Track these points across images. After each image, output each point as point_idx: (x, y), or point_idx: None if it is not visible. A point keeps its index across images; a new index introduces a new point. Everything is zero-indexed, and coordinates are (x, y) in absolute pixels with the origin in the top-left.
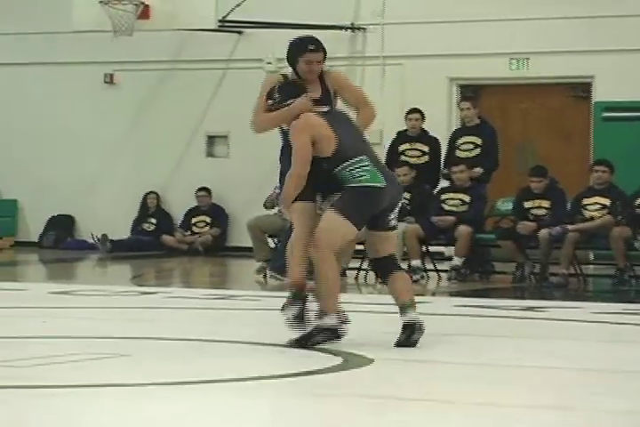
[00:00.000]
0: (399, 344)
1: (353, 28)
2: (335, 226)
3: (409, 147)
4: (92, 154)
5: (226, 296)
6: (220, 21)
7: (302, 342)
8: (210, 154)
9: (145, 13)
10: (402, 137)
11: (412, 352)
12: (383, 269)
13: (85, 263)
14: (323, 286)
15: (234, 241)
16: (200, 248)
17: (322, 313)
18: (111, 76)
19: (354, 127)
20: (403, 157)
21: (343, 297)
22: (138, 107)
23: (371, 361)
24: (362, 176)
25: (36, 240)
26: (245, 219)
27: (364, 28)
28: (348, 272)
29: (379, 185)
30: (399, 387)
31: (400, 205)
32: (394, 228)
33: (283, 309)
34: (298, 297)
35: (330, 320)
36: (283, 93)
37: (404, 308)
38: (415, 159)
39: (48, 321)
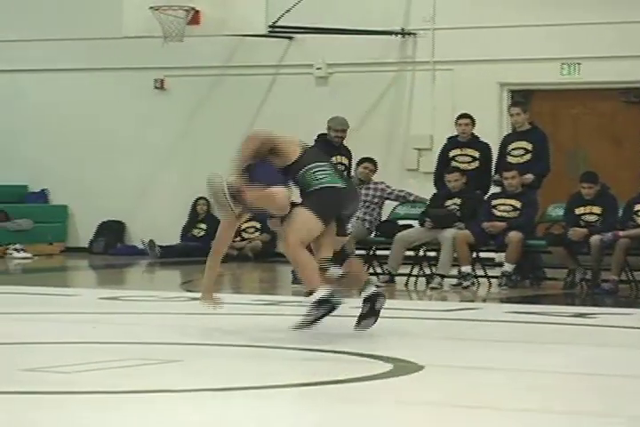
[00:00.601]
0: (363, 316)
1: (403, 33)
2: (303, 221)
3: (459, 152)
4: (142, 160)
5: (275, 302)
6: (270, 27)
7: (305, 323)
8: None
9: (195, 19)
10: (452, 143)
11: (463, 359)
12: (340, 259)
13: (135, 269)
14: (303, 274)
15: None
16: (250, 254)
17: (310, 293)
18: (161, 81)
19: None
20: (453, 163)
21: (392, 303)
22: (188, 112)
23: (420, 368)
24: (324, 178)
25: (86, 246)
26: None
27: (414, 33)
28: (397, 278)
29: (339, 186)
30: (449, 394)
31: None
32: (348, 234)
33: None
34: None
35: (320, 292)
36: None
37: (363, 287)
38: (466, 165)
39: (98, 327)
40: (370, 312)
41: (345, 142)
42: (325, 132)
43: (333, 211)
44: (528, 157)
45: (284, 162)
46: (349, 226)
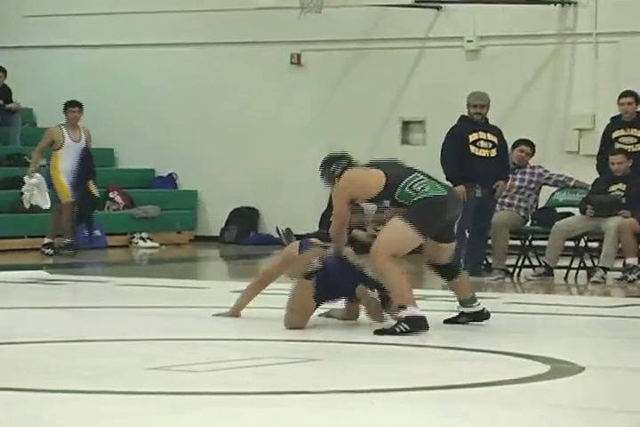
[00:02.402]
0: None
1: (563, 2)
2: (395, 234)
3: (623, 133)
4: (277, 141)
5: (422, 296)
6: None
7: (393, 333)
8: (405, 141)
9: None
10: (616, 123)
11: (627, 360)
12: (449, 273)
13: (269, 260)
14: (393, 288)
15: None
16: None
17: (401, 307)
18: (298, 56)
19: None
20: (617, 145)
21: (550, 298)
22: (327, 90)
23: (581, 369)
24: (423, 188)
25: (217, 235)
26: None
27: (574, 2)
28: (556, 271)
29: (441, 194)
30: (611, 398)
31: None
32: (453, 240)
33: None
34: None
35: (413, 310)
36: None
37: (464, 302)
38: (631, 146)
39: (230, 322)
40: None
41: (496, 122)
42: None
43: (436, 221)
44: None
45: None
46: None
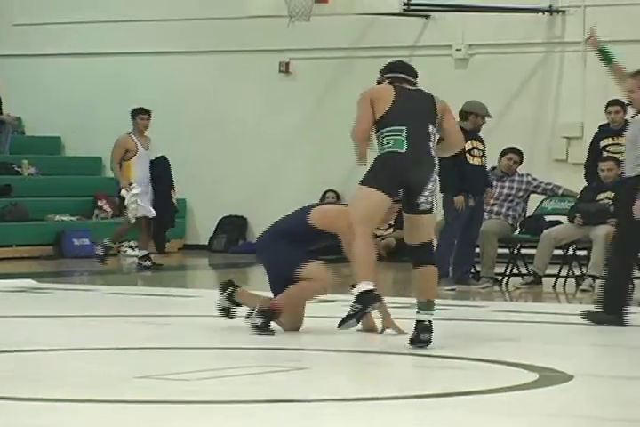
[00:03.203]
0: (411, 342)
1: (551, 10)
2: (362, 199)
3: (611, 142)
4: (265, 149)
5: (411, 305)
6: (405, 4)
7: (350, 317)
8: None
9: None
10: (604, 131)
11: (615, 368)
12: (415, 258)
13: (259, 268)
14: (354, 263)
15: None
16: (382, 252)
17: (353, 286)
18: (287, 64)
19: (424, 105)
20: (605, 154)
21: (539, 306)
22: (315, 98)
23: (569, 378)
24: (387, 144)
25: (206, 243)
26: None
27: (563, 11)
28: (544, 279)
29: (397, 150)
30: (601, 406)
31: (431, 187)
32: (425, 211)
33: (248, 317)
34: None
35: (362, 285)
36: None
37: (419, 306)
38: (619, 155)
39: (219, 331)
40: (415, 340)
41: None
42: None
43: (390, 178)
44: None
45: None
46: (423, 201)
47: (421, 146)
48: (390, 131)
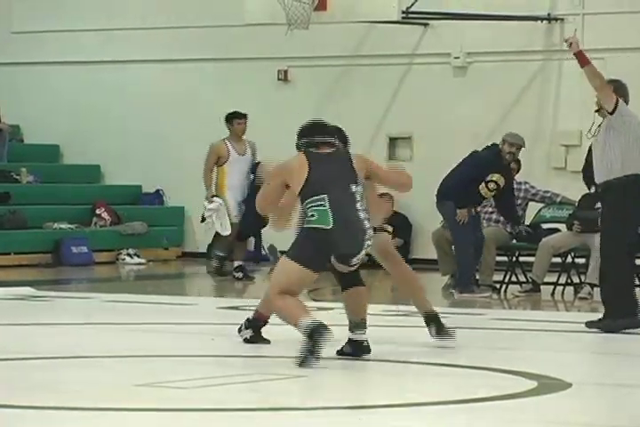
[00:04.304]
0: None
1: (549, 18)
2: (282, 272)
3: None
4: (263, 158)
5: (409, 313)
6: (403, 12)
7: (307, 355)
8: (391, 157)
9: (322, 4)
10: None
11: (614, 375)
12: (344, 282)
13: (257, 276)
14: (286, 317)
15: (418, 253)
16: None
17: (296, 326)
18: (285, 72)
19: (341, 167)
20: None
21: (537, 314)
22: (314, 106)
23: (568, 385)
24: (312, 216)
25: (204, 251)
26: (431, 228)
27: (561, 19)
28: (542, 287)
29: (323, 227)
30: (600, 415)
31: (365, 250)
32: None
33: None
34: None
35: (304, 321)
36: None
37: (355, 325)
38: None
39: (217, 339)
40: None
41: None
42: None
43: (317, 255)
44: None
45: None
46: (355, 261)
47: (347, 212)
48: (312, 202)
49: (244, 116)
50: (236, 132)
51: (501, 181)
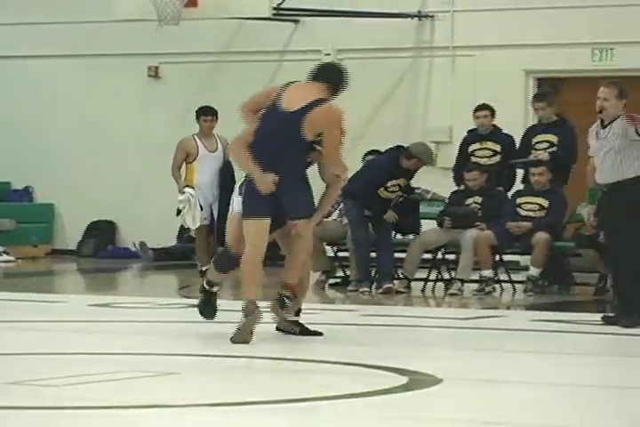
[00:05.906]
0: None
1: (420, 15)
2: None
3: (479, 146)
4: (135, 154)
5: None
6: (274, 9)
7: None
8: None
9: (192, 1)
10: (472, 136)
11: (484, 371)
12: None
13: (127, 273)
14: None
15: None
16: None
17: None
18: (156, 69)
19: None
20: (473, 158)
21: (408, 310)
22: (185, 102)
23: (439, 381)
24: None
25: (74, 248)
26: None
27: (431, 16)
28: (413, 283)
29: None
30: (470, 410)
31: None
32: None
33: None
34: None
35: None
36: None
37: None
38: (486, 159)
39: (88, 336)
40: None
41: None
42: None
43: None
44: (552, 150)
45: None
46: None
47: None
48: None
49: (212, 112)
50: (204, 130)
51: (403, 182)
